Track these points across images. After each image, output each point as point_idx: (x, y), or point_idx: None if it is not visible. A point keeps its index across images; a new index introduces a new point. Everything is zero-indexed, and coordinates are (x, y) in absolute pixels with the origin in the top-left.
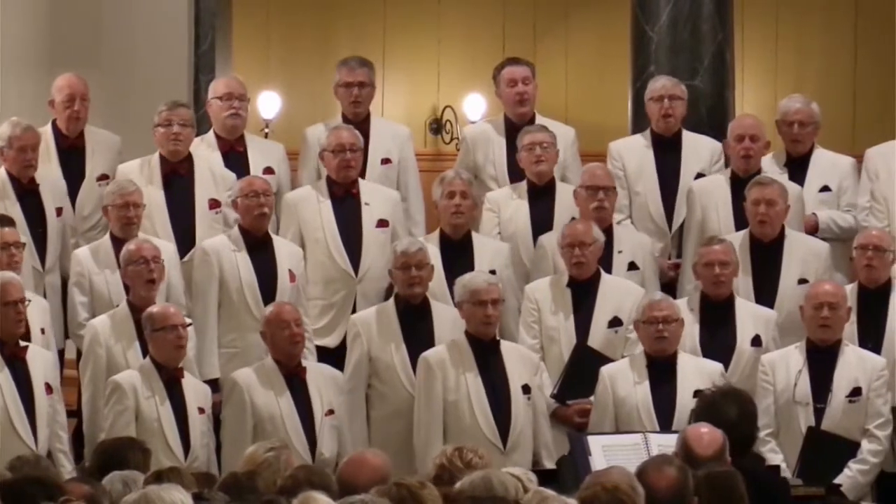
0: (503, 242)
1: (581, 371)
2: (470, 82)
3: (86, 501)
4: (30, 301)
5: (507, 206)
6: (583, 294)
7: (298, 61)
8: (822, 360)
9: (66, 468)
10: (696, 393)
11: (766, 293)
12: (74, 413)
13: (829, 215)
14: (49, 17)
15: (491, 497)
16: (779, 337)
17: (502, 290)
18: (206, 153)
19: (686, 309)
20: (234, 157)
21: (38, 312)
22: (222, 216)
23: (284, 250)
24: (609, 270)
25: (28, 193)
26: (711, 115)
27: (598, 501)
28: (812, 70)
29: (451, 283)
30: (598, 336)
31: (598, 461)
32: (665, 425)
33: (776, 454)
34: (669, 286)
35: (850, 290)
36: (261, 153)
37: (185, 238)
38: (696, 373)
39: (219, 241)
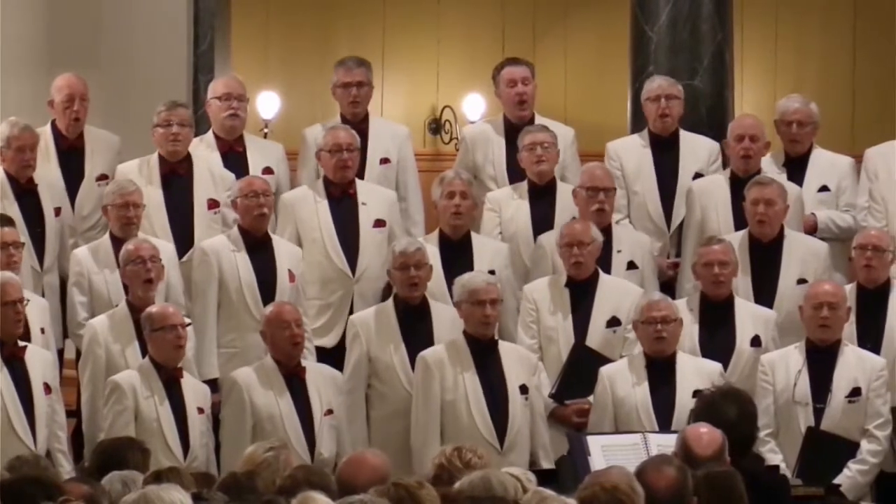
0: (502, 243)
1: (579, 371)
2: (469, 82)
3: (85, 501)
4: (28, 301)
5: (507, 205)
6: (581, 294)
7: (298, 61)
8: (821, 361)
9: (65, 468)
10: (696, 393)
11: (765, 293)
12: (74, 413)
13: (828, 215)
14: (48, 17)
15: (490, 497)
16: (778, 337)
17: (501, 290)
18: (205, 153)
19: (685, 309)
20: (234, 157)
21: (38, 312)
22: (221, 216)
23: (284, 250)
24: (608, 270)
25: (26, 193)
26: (711, 115)
27: (598, 501)
28: (811, 70)
29: (450, 284)
30: (596, 336)
31: (597, 461)
32: (664, 425)
33: (776, 454)
34: (668, 285)
35: (849, 290)
36: (260, 153)
37: (183, 238)
38: (695, 373)
39: (218, 242)
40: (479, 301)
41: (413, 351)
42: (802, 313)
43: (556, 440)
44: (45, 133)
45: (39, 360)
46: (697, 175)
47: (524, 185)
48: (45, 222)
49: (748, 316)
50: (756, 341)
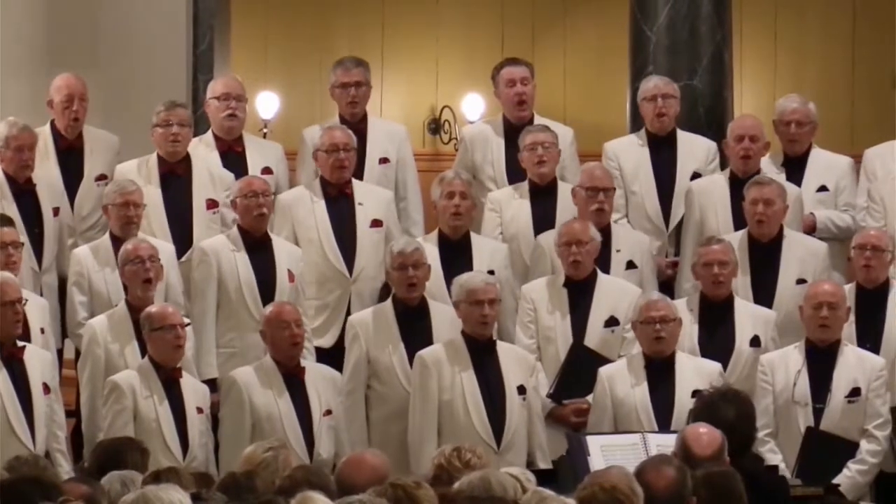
0: (502, 243)
1: (577, 370)
2: (468, 82)
3: (84, 501)
4: (27, 301)
5: (508, 206)
6: (579, 294)
7: (297, 61)
8: (821, 361)
9: (65, 468)
10: (695, 393)
11: (764, 293)
12: (73, 413)
13: (827, 215)
14: (47, 17)
15: (489, 497)
16: (778, 337)
17: (500, 290)
18: (204, 153)
19: (685, 309)
20: (233, 157)
21: (38, 312)
22: (220, 216)
23: (283, 250)
24: (607, 270)
25: (25, 193)
26: (710, 116)
27: (597, 501)
28: (811, 70)
29: (449, 284)
30: (594, 336)
31: (596, 461)
32: (663, 425)
33: (775, 454)
34: (667, 284)
35: (849, 290)
36: (259, 153)
37: (182, 238)
38: (694, 373)
39: (218, 241)
40: (477, 301)
41: (412, 351)
42: (802, 313)
43: (554, 440)
44: (44, 133)
45: (38, 360)
46: (695, 174)
47: (525, 185)
48: (44, 222)
49: (748, 316)
50: (755, 341)
